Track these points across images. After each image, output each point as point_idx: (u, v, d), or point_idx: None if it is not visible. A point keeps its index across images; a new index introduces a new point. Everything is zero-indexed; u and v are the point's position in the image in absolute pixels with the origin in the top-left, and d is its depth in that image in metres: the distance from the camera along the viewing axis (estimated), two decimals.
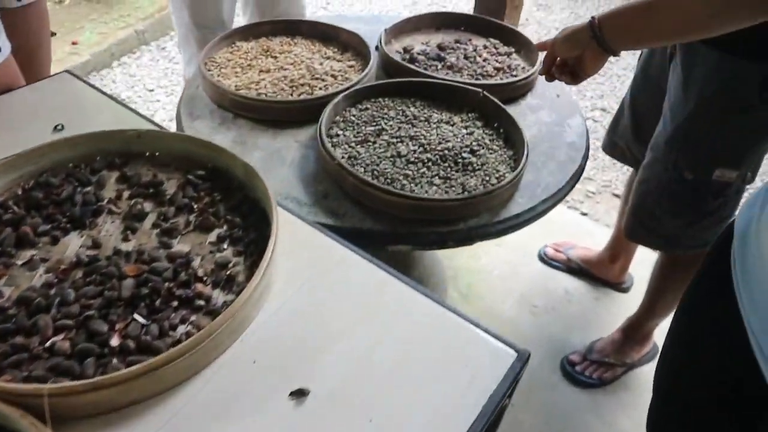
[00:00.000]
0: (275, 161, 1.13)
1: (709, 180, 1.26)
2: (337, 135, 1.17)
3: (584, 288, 1.93)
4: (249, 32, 1.47)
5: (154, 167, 0.87)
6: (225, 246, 0.76)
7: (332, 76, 1.33)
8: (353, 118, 1.21)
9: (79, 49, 3.22)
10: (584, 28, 0.99)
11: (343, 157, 1.10)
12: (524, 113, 1.34)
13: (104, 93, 1.04)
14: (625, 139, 1.59)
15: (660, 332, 1.65)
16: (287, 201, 1.04)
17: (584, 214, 2.48)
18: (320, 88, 1.29)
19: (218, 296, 0.70)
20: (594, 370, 1.65)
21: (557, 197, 1.13)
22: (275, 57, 1.39)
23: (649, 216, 1.40)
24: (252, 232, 0.76)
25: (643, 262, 1.84)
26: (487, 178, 1.09)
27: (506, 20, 1.78)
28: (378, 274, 0.74)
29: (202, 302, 0.68)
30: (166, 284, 0.69)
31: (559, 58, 1.13)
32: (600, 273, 1.93)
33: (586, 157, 1.26)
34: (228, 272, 0.72)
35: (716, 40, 1.12)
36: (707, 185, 1.27)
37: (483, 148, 1.16)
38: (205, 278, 0.71)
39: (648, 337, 1.68)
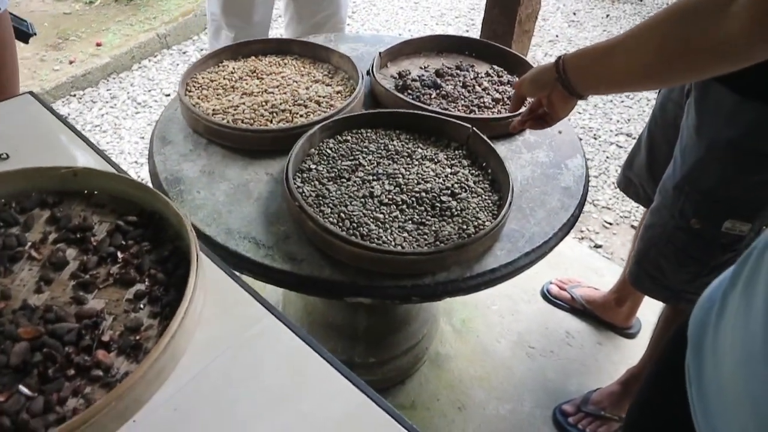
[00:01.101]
0: (241, 195, 1.07)
1: (718, 231, 1.15)
2: (310, 169, 1.09)
3: (587, 331, 1.81)
4: (239, 51, 1.41)
5: (89, 207, 0.81)
6: (142, 305, 0.69)
7: (316, 102, 1.26)
8: (329, 151, 1.13)
9: (102, 51, 3.24)
10: (550, 68, 0.90)
11: (310, 195, 1.03)
12: (519, 151, 1.25)
13: (63, 121, 0.99)
14: (640, 177, 1.49)
15: None
16: (245, 241, 0.98)
17: (598, 247, 2.36)
18: (301, 115, 1.22)
19: (121, 365, 0.63)
20: (588, 423, 1.54)
21: (542, 251, 1.04)
22: (261, 78, 1.33)
23: (653, 265, 1.30)
24: (173, 292, 0.70)
25: (653, 306, 1.71)
26: (464, 227, 1.01)
27: (514, 46, 1.68)
28: (302, 350, 0.66)
29: (100, 372, 0.62)
30: (66, 348, 0.63)
31: (529, 100, 1.04)
32: (605, 316, 1.82)
33: (581, 205, 1.16)
34: (138, 337, 0.65)
35: (733, 81, 1.02)
36: (716, 237, 1.16)
37: (465, 190, 1.07)
38: (111, 343, 0.64)
39: None
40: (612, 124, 3.06)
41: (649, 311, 1.74)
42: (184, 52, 3.41)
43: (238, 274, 0.96)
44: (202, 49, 3.44)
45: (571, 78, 0.87)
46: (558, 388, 1.64)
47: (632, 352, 1.73)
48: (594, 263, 2.09)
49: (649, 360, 1.47)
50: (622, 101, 3.24)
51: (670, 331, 0.80)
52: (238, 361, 0.65)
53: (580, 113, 3.14)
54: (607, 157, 2.83)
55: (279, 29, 3.16)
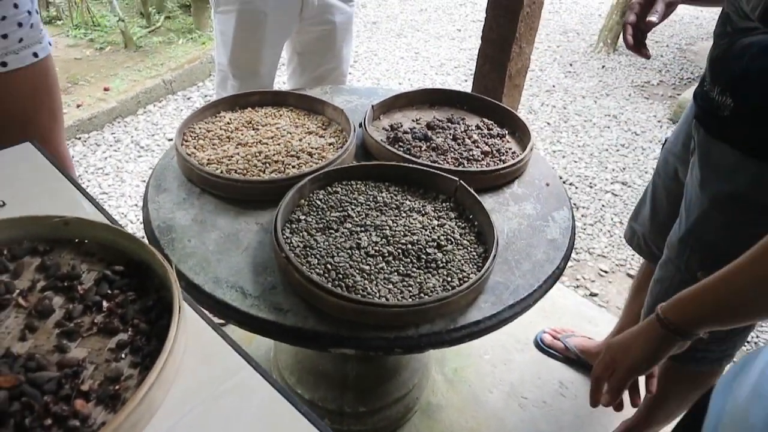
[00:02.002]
0: (230, 245, 1.09)
1: None
2: (299, 220, 1.12)
3: (581, 381, 1.80)
4: (236, 102, 1.46)
5: (78, 256, 0.83)
6: (124, 355, 0.70)
7: (309, 153, 1.29)
8: (319, 202, 1.16)
9: (109, 95, 3.33)
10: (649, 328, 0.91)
11: (298, 246, 1.05)
12: (506, 203, 1.27)
13: (60, 170, 1.02)
14: (644, 228, 1.52)
15: None
16: (232, 290, 0.99)
17: (594, 295, 2.36)
18: (293, 166, 1.25)
19: (99, 415, 0.64)
20: None
21: (526, 303, 1.05)
22: (256, 129, 1.37)
23: None
24: (155, 341, 0.71)
25: None
26: (449, 279, 1.02)
27: (505, 100, 1.73)
28: (279, 403, 0.67)
29: (77, 422, 0.62)
30: (45, 398, 0.64)
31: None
32: None
33: (567, 258, 1.17)
34: (117, 387, 0.66)
35: (734, 140, 1.06)
36: None
37: (451, 243, 1.09)
38: (90, 393, 0.65)
39: None
40: (608, 172, 3.10)
41: None
42: (189, 98, 3.50)
43: (223, 322, 0.98)
44: (206, 95, 3.53)
45: (674, 323, 0.87)
46: None
47: (626, 404, 1.71)
48: (588, 312, 2.09)
49: (647, 413, 1.46)
50: (617, 150, 3.29)
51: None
52: (214, 413, 0.66)
53: (576, 162, 3.18)
54: (603, 206, 2.86)
55: (282, 76, 3.24)
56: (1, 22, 1.21)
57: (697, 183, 1.16)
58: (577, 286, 2.41)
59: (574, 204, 2.87)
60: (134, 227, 2.48)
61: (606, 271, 2.51)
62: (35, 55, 1.30)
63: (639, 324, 0.94)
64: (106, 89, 3.39)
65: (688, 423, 0.80)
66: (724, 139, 1.08)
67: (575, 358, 1.84)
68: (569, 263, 2.51)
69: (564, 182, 3.02)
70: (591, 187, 3.00)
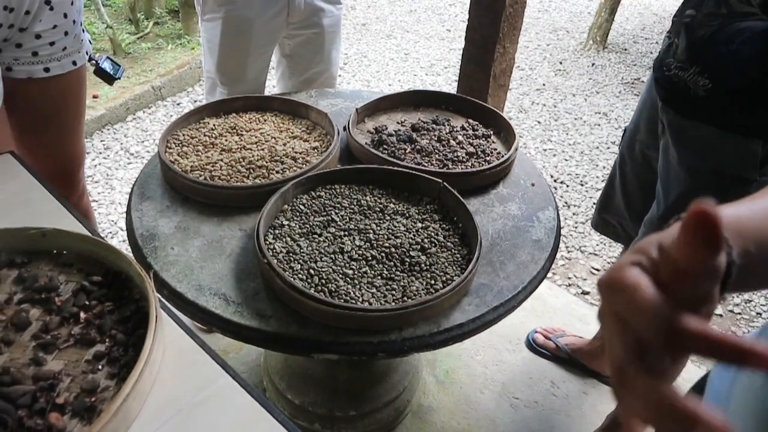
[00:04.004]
0: (214, 251, 1.08)
1: None
2: (282, 225, 1.12)
3: (572, 381, 1.80)
4: (220, 108, 1.46)
5: (56, 267, 0.83)
6: (101, 366, 0.70)
7: (292, 158, 1.29)
8: (303, 207, 1.16)
9: (98, 103, 3.31)
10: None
11: (281, 252, 1.05)
12: (491, 204, 1.27)
13: (40, 181, 1.02)
14: (619, 216, 1.54)
15: None
16: (215, 297, 0.99)
17: (586, 293, 2.37)
18: (277, 171, 1.25)
19: (74, 428, 0.64)
20: None
21: (510, 305, 1.05)
22: (240, 135, 1.37)
23: None
24: (131, 352, 0.71)
25: None
26: (433, 281, 1.02)
27: (490, 100, 1.73)
28: (256, 412, 0.67)
29: None
30: (19, 412, 0.63)
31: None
32: (592, 364, 1.81)
33: (552, 258, 1.17)
34: (93, 399, 0.66)
35: (714, 118, 1.08)
36: None
37: (435, 245, 1.09)
38: (66, 405, 0.65)
39: None
40: (599, 170, 3.11)
41: None
42: (179, 104, 3.49)
43: (207, 329, 0.97)
44: (195, 101, 3.52)
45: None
46: None
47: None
48: (579, 311, 2.09)
49: None
50: (608, 148, 3.29)
51: None
52: (192, 423, 0.65)
53: (566, 160, 3.19)
54: (594, 204, 2.86)
55: (272, 80, 3.24)
56: (51, 30, 1.28)
57: (675, 162, 1.17)
58: (569, 285, 2.41)
59: (566, 203, 2.88)
60: (124, 234, 2.47)
61: (598, 269, 2.51)
62: (74, 63, 1.38)
63: None
64: (95, 96, 3.38)
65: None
66: (698, 118, 1.11)
67: (567, 358, 1.84)
68: (561, 262, 2.53)
69: (555, 180, 3.03)
70: (582, 185, 3.01)
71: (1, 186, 1.01)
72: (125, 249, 2.33)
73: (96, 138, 3.12)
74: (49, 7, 1.25)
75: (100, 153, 3.00)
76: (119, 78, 1.60)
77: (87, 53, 1.44)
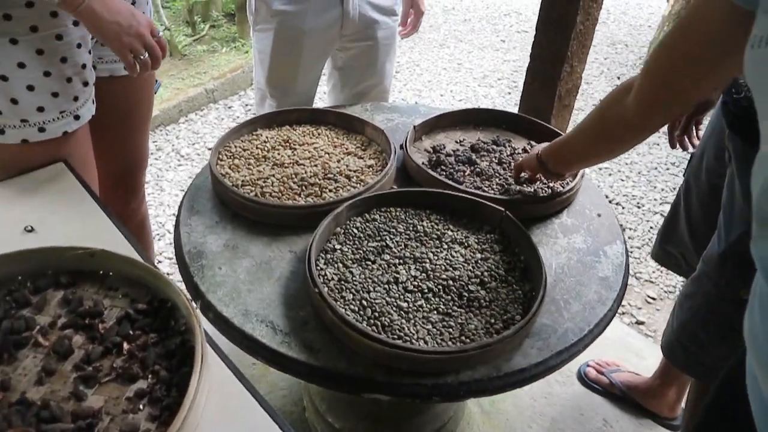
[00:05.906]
0: (262, 274, 1.04)
1: None
2: (334, 250, 1.06)
3: (626, 420, 1.69)
4: (273, 120, 1.42)
5: (102, 290, 0.79)
6: (142, 406, 0.66)
7: (347, 176, 1.24)
8: (356, 231, 1.10)
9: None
10: (533, 158, 1.17)
11: (333, 279, 1.00)
12: (555, 235, 1.19)
13: (90, 192, 0.99)
14: (681, 248, 1.45)
15: None
16: (262, 325, 0.94)
17: (640, 323, 2.24)
18: (331, 190, 1.20)
19: None
20: None
21: (575, 349, 0.97)
22: (294, 149, 1.33)
23: (690, 338, 1.23)
24: (174, 392, 0.66)
25: None
26: (492, 321, 0.95)
27: (553, 121, 1.64)
28: None
29: None
30: None
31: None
32: (648, 404, 1.70)
33: (620, 298, 1.09)
34: None
35: None
36: None
37: (495, 280, 1.02)
38: None
39: None
40: (656, 192, 2.97)
41: None
42: (230, 107, 3.50)
43: (253, 363, 0.92)
44: (247, 105, 3.53)
45: (549, 166, 1.14)
46: None
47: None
48: (635, 344, 1.98)
49: None
50: (668, 169, 3.14)
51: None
52: None
53: (623, 180, 3.05)
54: (651, 228, 2.73)
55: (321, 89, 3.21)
56: None
57: (740, 195, 1.08)
58: (623, 313, 2.29)
59: (620, 225, 2.75)
60: (170, 237, 2.47)
61: (654, 298, 2.38)
62: None
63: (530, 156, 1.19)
64: None
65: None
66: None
67: (620, 395, 1.73)
68: None
69: (610, 201, 2.90)
70: (639, 207, 2.87)
71: (51, 197, 0.99)
72: (171, 255, 2.33)
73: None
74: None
75: (152, 154, 3.02)
76: (155, 93, 1.60)
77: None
